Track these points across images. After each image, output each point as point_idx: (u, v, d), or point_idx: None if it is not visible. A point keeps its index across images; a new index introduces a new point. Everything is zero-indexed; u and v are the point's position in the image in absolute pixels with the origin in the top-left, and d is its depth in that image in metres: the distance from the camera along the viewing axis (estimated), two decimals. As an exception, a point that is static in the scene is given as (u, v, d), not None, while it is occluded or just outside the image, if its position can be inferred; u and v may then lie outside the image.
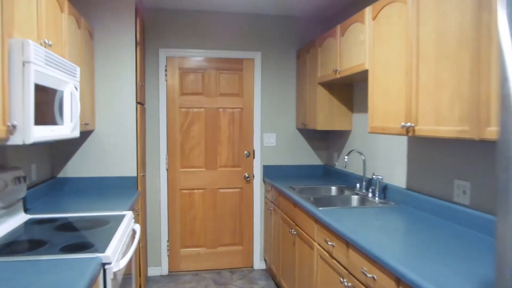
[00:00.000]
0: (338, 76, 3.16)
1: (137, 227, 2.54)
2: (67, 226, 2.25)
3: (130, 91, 3.43)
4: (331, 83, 3.61)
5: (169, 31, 4.14)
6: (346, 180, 3.82)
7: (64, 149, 3.40)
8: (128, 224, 2.39)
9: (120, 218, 2.43)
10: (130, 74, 3.42)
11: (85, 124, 2.97)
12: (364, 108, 3.54)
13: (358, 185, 3.37)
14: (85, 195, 3.20)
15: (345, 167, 3.18)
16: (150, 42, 4.11)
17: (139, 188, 3.51)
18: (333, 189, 3.60)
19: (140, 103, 3.65)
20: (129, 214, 2.53)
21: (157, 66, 4.14)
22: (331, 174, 4.22)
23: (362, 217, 2.43)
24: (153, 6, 4.05)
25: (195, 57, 4.19)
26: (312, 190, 3.59)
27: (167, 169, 4.22)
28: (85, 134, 3.40)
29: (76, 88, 2.45)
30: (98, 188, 3.44)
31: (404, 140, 2.90)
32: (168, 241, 4.24)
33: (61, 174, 3.41)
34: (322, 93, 3.69)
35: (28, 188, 2.83)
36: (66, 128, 2.30)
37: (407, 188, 2.84)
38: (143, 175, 3.65)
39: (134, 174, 3.48)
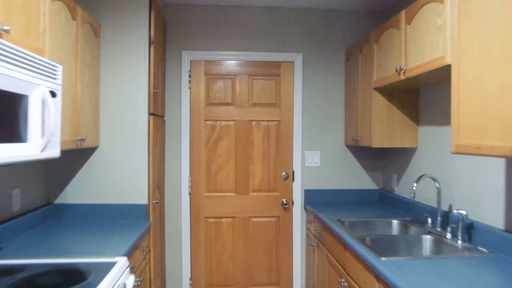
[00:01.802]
0: (402, 77, 2.39)
1: (130, 281, 1.88)
2: (30, 282, 1.62)
3: (142, 100, 2.82)
4: (391, 87, 2.84)
5: (195, 30, 3.53)
6: (411, 211, 3.00)
7: (62, 170, 2.83)
8: (114, 278, 1.73)
9: (107, 268, 1.77)
10: (141, 80, 2.81)
11: (79, 140, 2.37)
12: (436, 120, 2.73)
13: (429, 220, 2.55)
14: (82, 228, 2.59)
15: (414, 197, 2.38)
16: (172, 43, 3.51)
17: (151, 219, 2.87)
18: (395, 224, 2.79)
19: (155, 114, 3.03)
20: (120, 263, 1.86)
21: (179, 72, 3.53)
22: (389, 202, 3.40)
23: (447, 275, 1.63)
24: (176, 1, 3.46)
25: (224, 61, 3.55)
26: (366, 225, 2.80)
27: (189, 194, 3.57)
28: (87, 152, 2.82)
29: (53, 94, 1.84)
30: (101, 217, 2.83)
31: (500, 162, 2.08)
32: (190, 279, 3.56)
33: (59, 200, 2.83)
34: (379, 101, 2.92)
35: (7, 220, 2.25)
36: (31, 147, 1.68)
37: (507, 230, 2.01)
38: (157, 202, 3.01)
39: (145, 202, 2.84)
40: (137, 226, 2.66)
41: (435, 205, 2.68)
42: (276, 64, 3.59)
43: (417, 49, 2.23)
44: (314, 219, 3.28)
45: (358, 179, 3.66)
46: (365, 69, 3.09)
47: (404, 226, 2.71)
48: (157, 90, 2.96)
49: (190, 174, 3.56)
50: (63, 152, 2.81)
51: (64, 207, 2.82)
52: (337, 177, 3.65)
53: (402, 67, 2.37)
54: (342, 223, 2.77)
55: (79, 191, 2.83)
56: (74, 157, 2.82)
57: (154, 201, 2.95)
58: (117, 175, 2.83)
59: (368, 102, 3.02)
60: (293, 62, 3.60)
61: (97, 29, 2.74)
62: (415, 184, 2.38)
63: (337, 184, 3.65)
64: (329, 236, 2.79)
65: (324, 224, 2.84)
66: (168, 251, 3.56)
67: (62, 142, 2.13)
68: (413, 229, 2.61)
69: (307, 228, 3.56)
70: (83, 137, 2.42)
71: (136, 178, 2.84)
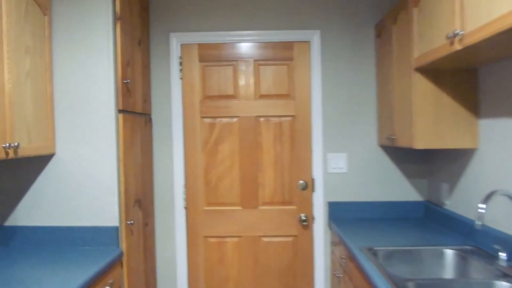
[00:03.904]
0: (457, 47, 1.60)
1: None
2: None
3: (105, 94, 2.18)
4: (439, 66, 2.05)
5: (185, 7, 2.86)
6: (471, 236, 2.18)
7: (12, 184, 2.24)
8: None
9: None
10: (104, 67, 2.17)
11: (11, 146, 1.76)
12: (505, 110, 1.91)
13: (503, 255, 1.74)
14: (32, 258, 2.00)
15: (482, 223, 1.59)
16: (157, 24, 2.86)
17: (123, 245, 2.23)
18: (449, 256, 2.00)
19: (128, 111, 2.38)
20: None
21: (167, 59, 2.87)
22: (438, 219, 2.59)
23: None
24: (161, -28, 2.81)
25: (223, 43, 2.86)
26: (408, 257, 2.03)
27: (185, 208, 2.90)
28: (41, 162, 2.21)
29: None
30: (59, 243, 2.21)
31: None
32: (187, 312, 2.91)
33: (9, 222, 2.25)
34: (422, 85, 2.14)
35: None
36: None
37: None
38: (132, 223, 2.36)
39: (115, 223, 2.20)
40: (102, 255, 2.04)
41: (509, 231, 1.86)
42: (288, 45, 2.86)
43: (480, 2, 1.45)
44: (339, 242, 2.53)
45: (397, 189, 2.87)
46: (401, 44, 2.31)
47: (464, 260, 1.92)
48: (128, 80, 2.30)
49: (185, 185, 2.90)
50: (11, 162, 2.22)
51: (15, 230, 2.23)
52: (369, 186, 2.87)
53: (457, 32, 1.59)
54: (374, 253, 2.01)
55: (33, 210, 2.23)
56: (26, 168, 2.23)
57: (128, 222, 2.30)
58: (79, 190, 2.21)
59: (407, 89, 2.24)
60: (309, 41, 2.85)
61: (45, 4, 2.12)
62: (482, 206, 1.58)
63: (369, 195, 2.87)
64: (356, 271, 2.04)
65: (350, 253, 2.10)
66: (159, 281, 2.91)
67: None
68: (478, 267, 1.81)
69: (332, 252, 2.81)
70: (16, 143, 1.80)
71: (102, 193, 2.20)
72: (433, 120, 2.15)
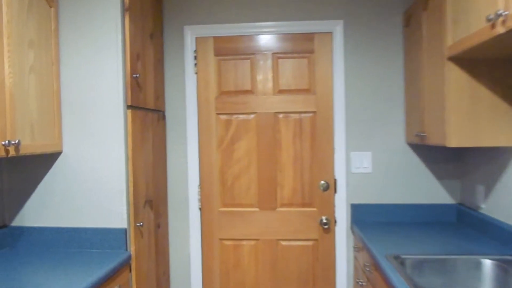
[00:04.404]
0: (500, 30, 1.40)
1: None
2: None
3: (114, 89, 2.07)
4: (477, 55, 1.83)
5: (201, -1, 2.73)
6: (510, 244, 1.96)
7: (19, 183, 2.16)
8: None
9: None
10: (112, 61, 2.06)
11: (11, 143, 1.66)
12: (554, 102, 1.69)
13: (549, 268, 1.53)
14: (39, 260, 1.91)
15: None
16: (171, 16, 2.73)
17: (132, 248, 2.11)
18: (487, 268, 1.79)
19: (138, 107, 2.27)
20: None
21: (181, 52, 2.74)
22: (473, 224, 2.37)
23: None
24: (175, -38, 2.69)
25: (240, 36, 2.71)
26: (440, 267, 1.83)
27: (200, 209, 2.78)
28: (48, 160, 2.12)
29: None
30: (66, 245, 2.12)
31: None
32: (202, 318, 2.78)
33: (16, 222, 2.17)
34: (457, 77, 1.93)
35: None
36: None
37: None
38: (141, 225, 2.25)
39: (123, 225, 2.09)
40: (108, 258, 1.93)
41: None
42: (309, 37, 2.68)
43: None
44: (363, 248, 2.35)
45: (426, 190, 2.65)
46: (433, 31, 2.10)
47: (504, 273, 1.71)
48: (137, 75, 2.18)
49: (200, 185, 2.77)
50: (20, 160, 2.14)
51: (22, 231, 2.15)
52: (395, 187, 2.67)
53: (500, 12, 1.38)
54: (402, 262, 1.82)
55: (40, 210, 2.14)
56: (33, 167, 2.14)
57: (138, 224, 2.19)
58: (86, 190, 2.11)
59: (439, 81, 2.04)
60: (331, 32, 2.67)
61: (53, -4, 2.02)
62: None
63: (395, 197, 2.67)
64: (381, 281, 1.86)
65: (375, 261, 1.92)
66: (172, 285, 2.79)
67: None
68: (520, 280, 1.60)
69: (355, 258, 2.62)
70: (16, 141, 1.70)
71: (110, 193, 2.09)
72: (469, 115, 1.94)
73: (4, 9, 1.67)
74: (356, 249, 2.56)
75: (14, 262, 1.91)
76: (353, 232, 2.68)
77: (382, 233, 2.34)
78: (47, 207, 2.13)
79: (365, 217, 2.67)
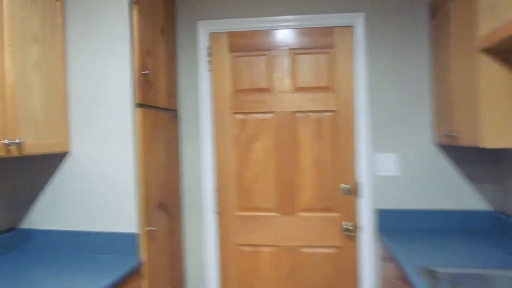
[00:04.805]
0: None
1: None
2: None
3: (122, 87, 1.97)
4: (515, 42, 1.65)
5: (216, -6, 2.62)
6: (556, 254, 1.75)
7: (28, 185, 2.09)
8: None
9: None
10: (120, 56, 1.97)
11: (13, 143, 1.59)
12: None
13: None
14: (47, 265, 1.83)
15: None
16: (184, 11, 2.63)
17: (143, 254, 2.00)
18: (530, 280, 1.59)
19: (149, 105, 2.17)
20: None
21: (194, 49, 2.64)
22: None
23: None
24: (189, -43, 2.59)
25: (255, 31, 2.59)
26: (478, 284, 1.64)
27: (216, 212, 2.65)
28: (55, 160, 2.04)
29: None
30: (75, 250, 2.03)
31: None
32: (218, 328, 2.65)
33: (25, 224, 2.10)
34: (492, 70, 1.74)
35: None
36: None
37: None
38: (153, 230, 2.13)
39: (133, 230, 1.99)
40: (118, 265, 1.83)
41: None
42: (328, 31, 2.53)
43: None
44: (390, 258, 2.16)
45: (458, 195, 2.45)
46: (463, 21, 1.92)
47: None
48: (147, 71, 2.09)
49: (215, 187, 2.65)
50: (28, 160, 2.07)
51: (31, 234, 2.08)
52: (425, 191, 2.47)
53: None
54: (435, 277, 1.64)
55: (48, 213, 2.06)
56: (41, 167, 2.07)
57: (149, 228, 2.08)
58: (95, 193, 2.02)
59: (470, 75, 1.85)
60: (352, 26, 2.51)
61: (59, -12, 1.95)
62: None
63: (425, 202, 2.48)
64: (408, 294, 1.68)
65: (404, 274, 1.74)
66: (187, 290, 2.68)
67: None
68: None
69: (381, 268, 2.44)
70: (18, 140, 1.62)
71: (119, 196, 1.99)
72: (506, 112, 1.75)
73: (5, 1, 1.60)
74: (383, 259, 2.37)
75: (20, 266, 1.83)
76: (378, 240, 2.49)
77: (410, 242, 2.15)
78: (55, 210, 2.05)
79: (391, 223, 2.48)
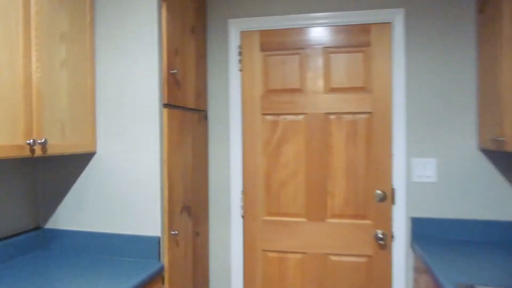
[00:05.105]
0: None
1: None
2: None
3: (149, 86, 1.92)
4: None
5: (247, -10, 2.54)
6: None
7: (53, 184, 2.07)
8: None
9: None
10: (148, 55, 1.92)
11: (38, 143, 1.56)
12: None
13: None
14: (70, 267, 1.79)
15: None
16: (215, 9, 2.56)
17: (165, 259, 1.95)
18: None
19: (176, 105, 2.11)
20: None
21: (225, 48, 2.56)
22: None
23: None
24: (221, -48, 2.52)
25: (288, 29, 2.49)
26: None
27: (242, 217, 2.58)
28: (82, 160, 2.02)
29: None
30: (98, 252, 2.00)
31: None
32: (243, 335, 2.57)
33: (50, 224, 2.09)
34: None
35: None
36: None
37: None
38: (176, 234, 2.08)
39: (156, 233, 1.93)
40: (139, 268, 1.78)
41: None
42: (364, 28, 2.40)
43: None
44: (425, 270, 2.03)
45: (503, 205, 2.27)
46: (517, 17, 1.76)
47: None
48: (175, 71, 2.03)
49: (243, 191, 2.57)
50: (55, 160, 2.06)
51: (55, 233, 2.06)
52: (465, 200, 2.31)
53: None
54: (475, 293, 1.51)
55: (73, 214, 2.04)
56: (68, 167, 2.05)
57: (172, 232, 2.03)
58: (120, 194, 1.98)
59: (524, 75, 1.69)
60: (390, 23, 2.37)
61: (88, -15, 1.92)
62: None
63: (465, 211, 2.32)
64: (448, 314, 1.55)
65: (440, 289, 1.61)
66: (212, 295, 2.62)
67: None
68: None
69: (415, 280, 2.30)
70: (42, 140, 1.59)
71: (144, 199, 1.95)
72: (562, 117, 1.59)
73: (38, 3, 1.57)
74: (417, 270, 2.24)
75: (42, 265, 1.81)
76: (413, 250, 2.35)
77: (449, 253, 2.01)
78: (80, 210, 2.03)
79: (428, 233, 2.34)
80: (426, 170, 2.35)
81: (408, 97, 2.36)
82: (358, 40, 2.40)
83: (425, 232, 2.34)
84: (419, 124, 2.36)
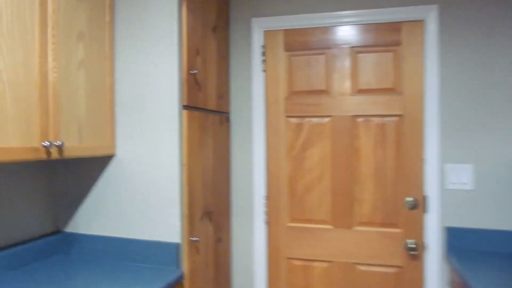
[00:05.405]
0: None
1: None
2: None
3: (168, 87, 1.86)
4: None
5: (271, -11, 2.46)
6: None
7: (73, 187, 2.04)
8: None
9: None
10: (167, 55, 1.86)
11: (55, 145, 1.52)
12: None
13: None
14: (82, 272, 1.74)
15: None
16: (238, 8, 2.49)
17: (184, 266, 1.88)
18: None
19: (195, 107, 2.04)
20: None
21: (248, 48, 2.49)
22: None
23: None
24: (244, -50, 2.45)
25: (313, 28, 2.39)
26: None
27: (266, 223, 2.49)
28: (101, 163, 1.97)
29: None
30: (116, 257, 1.94)
31: None
32: None
33: (69, 228, 2.05)
34: None
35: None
36: None
37: None
38: (196, 240, 2.00)
39: (176, 240, 1.87)
40: (158, 276, 1.71)
41: None
42: (394, 27, 2.28)
43: None
44: (461, 284, 1.88)
45: (548, 215, 2.10)
46: None
47: None
48: (196, 71, 1.96)
49: (266, 196, 2.48)
50: (75, 162, 2.02)
51: (75, 238, 2.02)
52: (505, 209, 2.15)
53: None
54: (519, 313, 1.36)
55: (92, 218, 2.00)
56: (87, 170, 2.01)
57: (193, 239, 1.95)
58: (139, 199, 1.92)
59: None
60: (423, 21, 2.24)
61: (108, -15, 1.87)
62: None
63: (505, 221, 2.15)
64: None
65: (479, 307, 1.47)
66: (233, 303, 2.53)
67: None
68: None
69: (450, 293, 2.15)
70: (59, 142, 1.55)
71: (163, 203, 1.88)
72: None
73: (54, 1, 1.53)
74: (453, 284, 2.09)
75: (61, 271, 1.77)
76: (448, 262, 2.20)
77: (486, 267, 1.86)
78: (99, 214, 1.98)
79: (464, 244, 2.18)
80: (461, 176, 2.20)
81: (442, 99, 2.22)
82: (388, 39, 2.28)
83: (460, 243, 2.19)
84: (454, 128, 2.21)
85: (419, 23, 2.24)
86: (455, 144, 2.21)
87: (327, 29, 2.36)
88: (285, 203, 2.46)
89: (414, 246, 2.25)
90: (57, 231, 2.06)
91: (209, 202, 2.16)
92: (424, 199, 2.25)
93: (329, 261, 2.40)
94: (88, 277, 1.71)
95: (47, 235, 2.00)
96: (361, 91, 2.33)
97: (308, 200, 2.42)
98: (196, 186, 2.00)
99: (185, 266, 1.88)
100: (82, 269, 1.81)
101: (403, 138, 2.28)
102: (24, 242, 1.87)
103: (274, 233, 2.48)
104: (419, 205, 2.26)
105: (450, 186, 2.22)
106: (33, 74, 1.46)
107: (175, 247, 1.85)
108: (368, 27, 2.31)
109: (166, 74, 1.85)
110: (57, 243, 2.02)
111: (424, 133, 2.25)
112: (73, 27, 1.66)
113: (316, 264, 2.42)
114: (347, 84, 2.34)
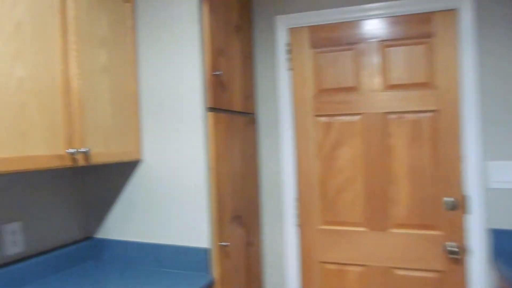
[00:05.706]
0: None
1: None
2: None
3: (193, 89, 1.83)
4: None
5: (295, -14, 2.39)
6: None
7: (103, 194, 2.04)
8: None
9: None
10: (189, 56, 1.83)
11: (80, 152, 1.52)
12: None
13: None
14: (112, 278, 1.74)
15: None
16: (260, 6, 2.44)
17: (215, 272, 1.83)
18: None
19: (220, 109, 2.00)
20: None
21: (272, 46, 2.43)
22: None
23: None
24: None
25: (339, 23, 2.31)
26: None
27: (297, 225, 2.42)
28: (129, 168, 1.97)
29: None
30: (145, 263, 1.93)
31: None
32: None
33: (100, 234, 2.06)
34: None
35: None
36: None
37: None
38: (226, 245, 1.95)
39: (205, 245, 1.83)
40: (187, 282, 1.68)
41: None
42: (425, 17, 2.16)
43: None
44: (508, 289, 1.75)
45: None
46: None
47: None
48: (219, 72, 1.92)
49: (297, 198, 2.41)
50: (103, 168, 2.03)
51: (106, 243, 2.02)
52: (555, 207, 1.99)
53: None
54: None
55: (122, 223, 1.99)
56: (116, 176, 2.01)
57: (222, 244, 1.91)
58: (167, 203, 1.90)
59: None
60: (456, 10, 2.11)
61: (129, -11, 1.87)
62: None
63: (556, 221, 1.99)
64: None
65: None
66: (266, 309, 2.47)
67: (12, 159, 1.27)
68: None
69: (496, 299, 2.01)
70: (86, 149, 1.54)
71: (191, 208, 1.85)
72: None
73: (70, 3, 1.53)
74: (498, 288, 1.95)
75: (92, 277, 1.77)
76: (493, 266, 2.06)
77: (537, 270, 1.72)
78: (128, 220, 1.98)
79: (511, 247, 2.03)
80: (507, 174, 2.06)
81: (480, 92, 2.08)
82: (419, 31, 2.17)
83: (508, 246, 2.04)
84: (496, 122, 2.07)
85: (451, 12, 2.12)
86: (498, 140, 2.07)
87: (353, 24, 2.28)
88: (317, 205, 2.38)
89: (455, 249, 2.12)
90: (88, 237, 2.07)
91: (238, 205, 2.11)
92: (464, 199, 2.12)
93: (365, 265, 2.30)
94: (119, 283, 1.70)
95: (79, 241, 2.01)
96: (393, 87, 2.22)
97: (340, 202, 2.34)
98: (225, 189, 1.96)
99: (215, 272, 1.84)
100: (114, 275, 1.80)
101: (439, 134, 2.16)
102: (56, 248, 1.89)
103: (306, 236, 2.40)
104: (459, 206, 2.13)
105: (494, 185, 2.07)
106: (56, 81, 1.46)
107: (205, 252, 1.82)
108: (396, 19, 2.20)
109: (190, 76, 1.83)
110: (88, 249, 2.03)
111: (462, 128, 2.12)
112: (95, 33, 1.66)
113: (350, 268, 2.33)
114: (377, 80, 2.24)
